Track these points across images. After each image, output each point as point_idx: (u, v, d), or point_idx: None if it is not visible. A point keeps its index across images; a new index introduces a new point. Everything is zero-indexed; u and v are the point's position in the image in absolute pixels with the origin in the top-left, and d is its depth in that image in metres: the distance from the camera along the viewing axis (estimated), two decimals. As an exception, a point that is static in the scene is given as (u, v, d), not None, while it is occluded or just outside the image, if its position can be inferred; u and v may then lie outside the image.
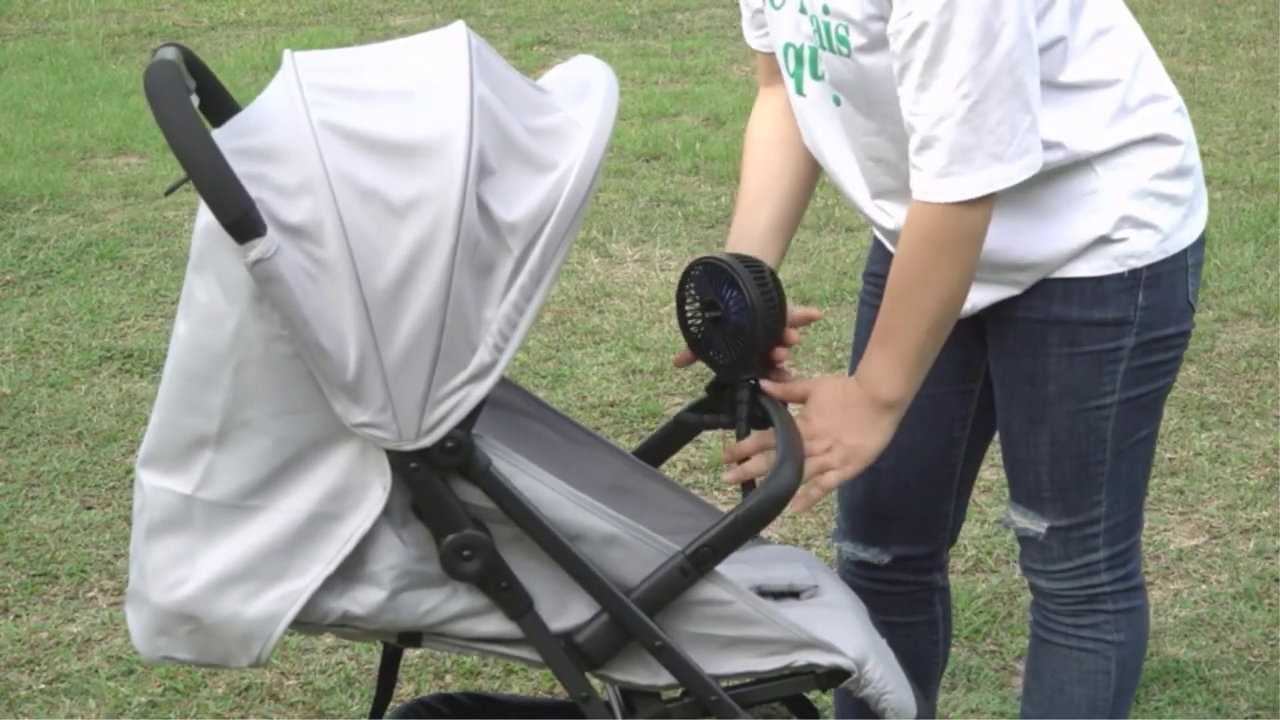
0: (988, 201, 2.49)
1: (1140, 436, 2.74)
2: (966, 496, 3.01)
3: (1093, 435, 2.70)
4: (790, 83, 2.69)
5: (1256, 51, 9.04)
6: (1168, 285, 2.67)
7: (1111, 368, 2.67)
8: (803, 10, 2.60)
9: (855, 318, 2.93)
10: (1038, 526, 2.76)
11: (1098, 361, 2.67)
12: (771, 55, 2.76)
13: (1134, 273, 2.64)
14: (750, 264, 2.60)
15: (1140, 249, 2.64)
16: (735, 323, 2.59)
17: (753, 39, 2.82)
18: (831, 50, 2.56)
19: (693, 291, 2.65)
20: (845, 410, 2.57)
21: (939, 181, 2.46)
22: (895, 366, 2.55)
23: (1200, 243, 2.72)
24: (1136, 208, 2.63)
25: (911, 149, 2.49)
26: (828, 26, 2.54)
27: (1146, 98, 2.64)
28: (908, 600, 3.00)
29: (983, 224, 2.51)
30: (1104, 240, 2.62)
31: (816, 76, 2.63)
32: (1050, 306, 2.67)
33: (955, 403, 2.87)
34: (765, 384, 2.61)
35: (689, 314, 2.66)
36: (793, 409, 2.61)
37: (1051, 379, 2.68)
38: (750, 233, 2.77)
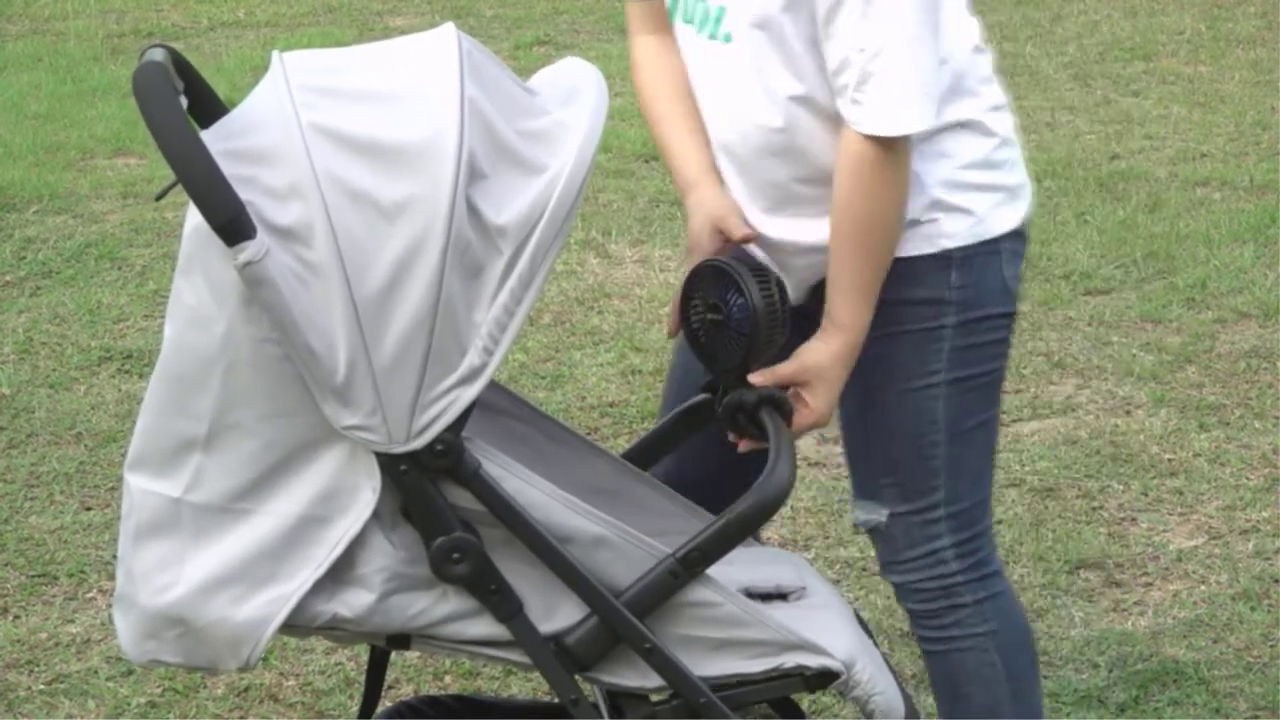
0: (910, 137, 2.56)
1: (976, 421, 2.77)
2: None
3: (924, 416, 2.73)
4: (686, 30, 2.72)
5: (1256, 52, 9.02)
6: (980, 267, 2.71)
7: (935, 347, 2.71)
8: None
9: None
10: (879, 516, 2.78)
11: (920, 340, 2.70)
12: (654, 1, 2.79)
13: (945, 253, 2.68)
14: (756, 270, 2.61)
15: (950, 230, 2.68)
16: (737, 327, 2.59)
17: None
18: None
19: (698, 293, 2.65)
20: (835, 367, 2.63)
21: (882, 116, 2.51)
22: (855, 298, 2.61)
23: (1019, 232, 2.76)
24: (946, 194, 2.68)
25: (848, 84, 2.53)
26: None
27: (962, 89, 2.67)
28: None
29: (911, 152, 2.58)
30: (914, 223, 2.67)
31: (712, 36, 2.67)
32: None
33: None
34: (753, 376, 2.61)
35: (692, 313, 2.67)
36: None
37: (878, 362, 2.70)
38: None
